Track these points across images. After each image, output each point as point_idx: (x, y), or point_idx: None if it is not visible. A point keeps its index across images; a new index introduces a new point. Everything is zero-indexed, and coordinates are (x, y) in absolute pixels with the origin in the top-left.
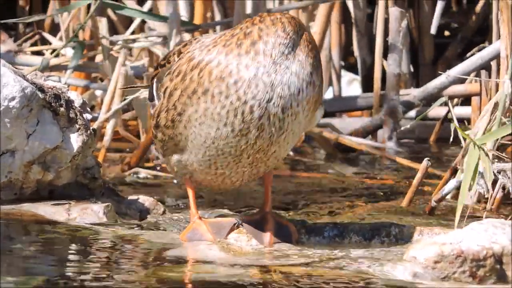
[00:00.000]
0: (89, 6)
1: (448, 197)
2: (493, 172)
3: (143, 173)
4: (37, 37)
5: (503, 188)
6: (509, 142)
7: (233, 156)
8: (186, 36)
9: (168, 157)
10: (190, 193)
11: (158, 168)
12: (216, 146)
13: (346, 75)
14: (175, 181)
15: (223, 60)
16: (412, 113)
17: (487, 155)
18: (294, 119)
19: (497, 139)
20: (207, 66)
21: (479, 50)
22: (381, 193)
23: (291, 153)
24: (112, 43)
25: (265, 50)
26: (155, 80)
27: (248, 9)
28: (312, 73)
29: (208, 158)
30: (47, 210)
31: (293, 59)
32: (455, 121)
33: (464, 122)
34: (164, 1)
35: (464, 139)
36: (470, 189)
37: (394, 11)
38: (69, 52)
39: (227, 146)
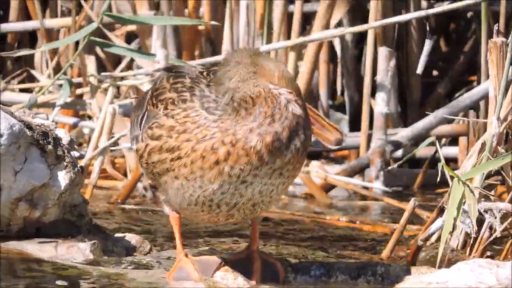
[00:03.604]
0: (77, 43)
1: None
2: (480, 211)
3: (130, 210)
4: (25, 74)
5: (490, 228)
6: (497, 182)
7: (211, 216)
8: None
9: (156, 186)
10: (175, 228)
11: (145, 205)
12: (193, 208)
13: (333, 114)
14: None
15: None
16: (399, 153)
17: (472, 191)
18: (271, 198)
19: (484, 178)
20: (179, 159)
21: (468, 90)
22: (366, 238)
23: None
24: (100, 81)
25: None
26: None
27: (237, 46)
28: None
29: (189, 209)
30: (33, 247)
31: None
32: (443, 160)
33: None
34: (152, 39)
35: (451, 179)
36: (454, 227)
37: (383, 50)
38: (57, 89)
39: (204, 212)
